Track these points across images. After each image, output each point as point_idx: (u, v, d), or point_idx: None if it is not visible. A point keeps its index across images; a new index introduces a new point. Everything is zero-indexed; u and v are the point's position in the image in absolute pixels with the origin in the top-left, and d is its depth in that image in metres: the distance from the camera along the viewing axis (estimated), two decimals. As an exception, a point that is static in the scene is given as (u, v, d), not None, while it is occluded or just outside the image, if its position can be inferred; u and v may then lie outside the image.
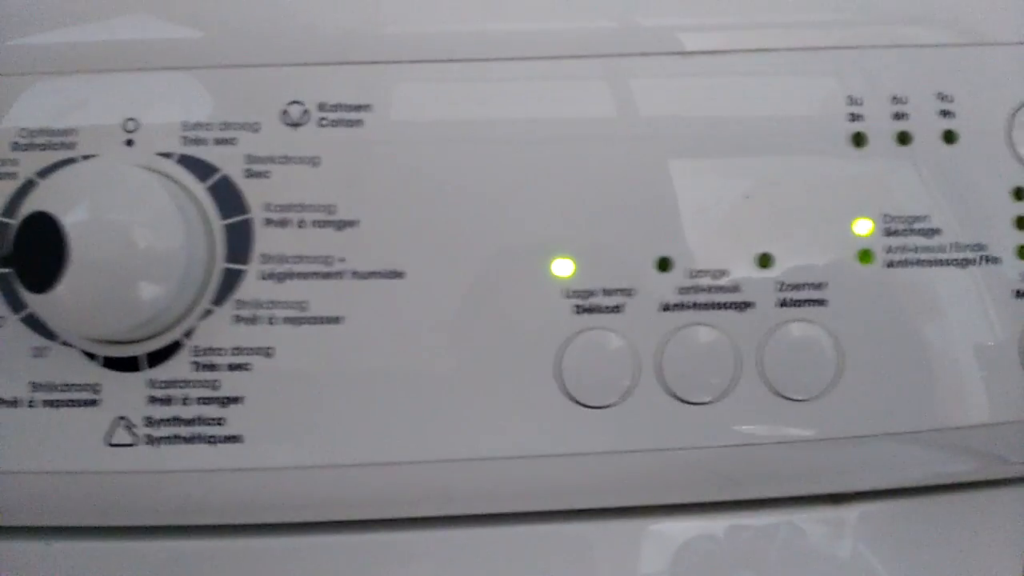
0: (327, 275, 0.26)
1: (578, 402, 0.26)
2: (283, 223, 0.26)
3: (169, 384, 0.26)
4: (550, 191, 0.26)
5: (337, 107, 0.27)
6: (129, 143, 0.27)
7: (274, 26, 0.27)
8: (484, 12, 0.27)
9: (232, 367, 0.26)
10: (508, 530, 0.29)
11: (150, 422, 0.26)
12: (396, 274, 0.26)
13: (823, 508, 0.30)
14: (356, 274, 0.26)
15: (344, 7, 0.27)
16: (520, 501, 0.28)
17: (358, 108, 0.27)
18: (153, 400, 0.26)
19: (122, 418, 0.26)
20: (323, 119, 0.26)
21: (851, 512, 0.30)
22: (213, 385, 0.26)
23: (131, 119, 0.27)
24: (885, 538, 0.30)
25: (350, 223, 0.26)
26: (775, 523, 0.29)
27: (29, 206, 0.24)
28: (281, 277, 0.26)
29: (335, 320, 0.26)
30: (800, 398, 0.27)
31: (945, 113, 0.27)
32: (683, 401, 0.26)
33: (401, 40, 0.27)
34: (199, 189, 0.26)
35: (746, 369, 0.27)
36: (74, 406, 0.26)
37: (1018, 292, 0.27)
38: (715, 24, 0.27)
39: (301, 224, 0.26)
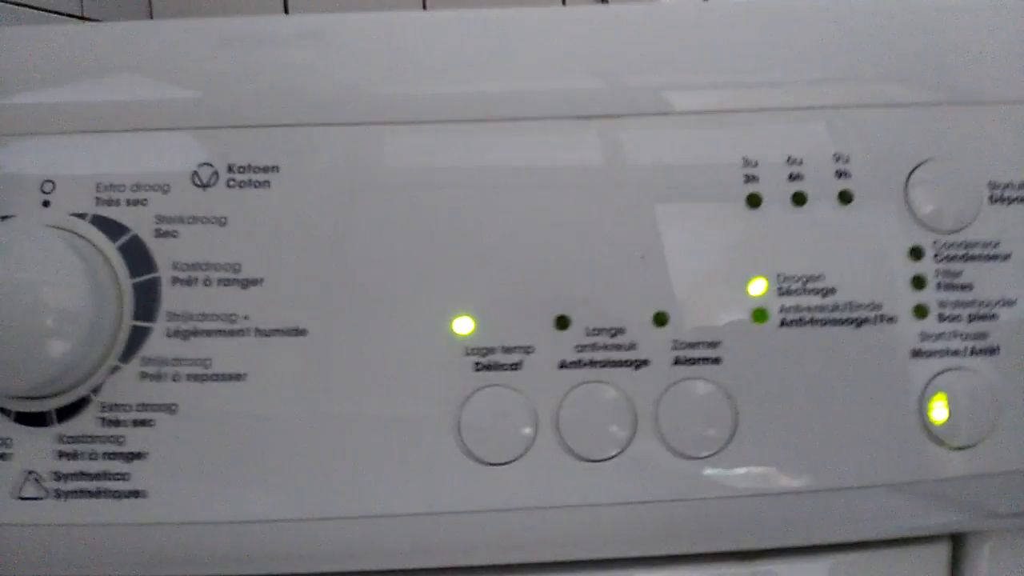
0: (231, 332, 0.27)
1: (477, 459, 0.27)
2: (189, 281, 0.27)
3: (77, 439, 0.27)
4: (450, 250, 0.27)
5: (245, 169, 0.27)
6: (46, 204, 0.27)
7: (185, 90, 0.28)
8: (380, 76, 0.28)
9: (137, 423, 0.26)
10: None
11: (58, 476, 0.27)
12: (298, 331, 0.27)
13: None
14: (259, 331, 0.27)
15: (253, 71, 0.28)
16: (422, 557, 0.28)
17: (266, 170, 0.27)
18: (61, 455, 0.27)
19: (31, 472, 0.27)
20: (231, 180, 0.27)
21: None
22: (118, 440, 0.26)
23: (48, 180, 0.28)
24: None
25: (254, 281, 0.27)
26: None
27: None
28: (186, 335, 0.27)
29: (238, 377, 0.27)
30: (695, 456, 0.27)
31: (841, 174, 0.28)
32: (580, 458, 0.27)
33: (309, 103, 0.28)
34: (110, 248, 0.27)
35: (642, 426, 0.27)
36: (-17, 460, 0.26)
37: (915, 352, 0.27)
38: (615, 88, 0.28)
39: (207, 282, 0.27)
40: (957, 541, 0.32)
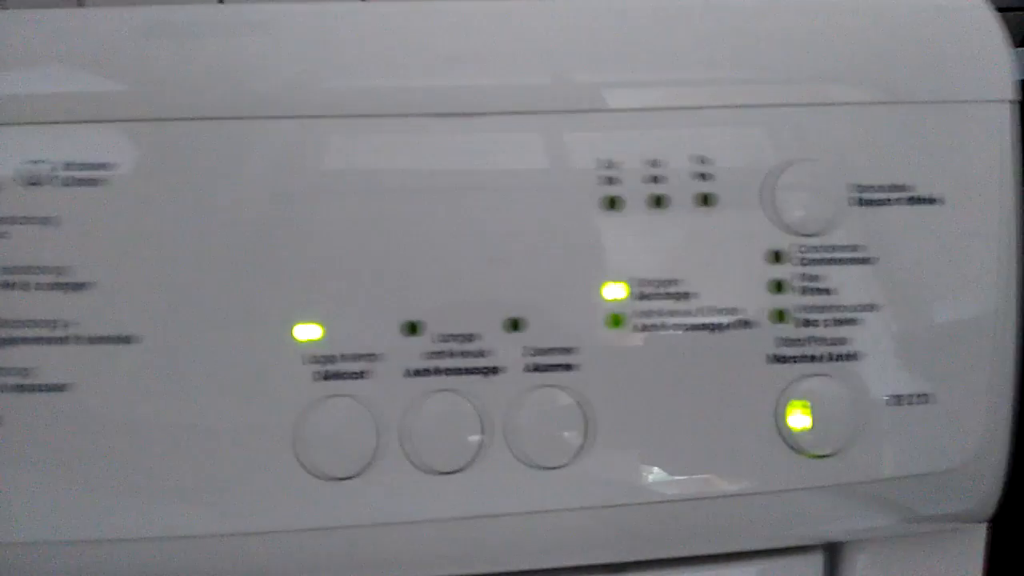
0: (56, 340, 0.25)
1: (318, 473, 0.25)
2: (13, 285, 0.25)
3: None
4: (293, 253, 0.26)
5: (79, 166, 0.26)
6: None
7: (16, 85, 0.26)
8: (206, 71, 0.27)
9: (-48, 436, 0.25)
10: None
11: None
12: (128, 339, 0.25)
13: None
14: (86, 339, 0.25)
15: (88, 67, 0.26)
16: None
17: (99, 167, 0.26)
18: None
19: None
20: (64, 178, 0.26)
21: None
22: (-69, 456, 0.25)
23: None
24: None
25: (83, 286, 0.25)
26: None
27: None
28: (6, 342, 0.25)
29: (62, 387, 0.25)
30: (548, 466, 0.26)
31: (701, 176, 0.27)
32: (429, 471, 0.26)
33: (142, 98, 0.26)
34: (-71, 250, 0.25)
35: (494, 437, 0.26)
36: None
37: (775, 357, 0.27)
38: (464, 86, 0.27)
39: (32, 286, 0.25)
40: (833, 550, 0.31)
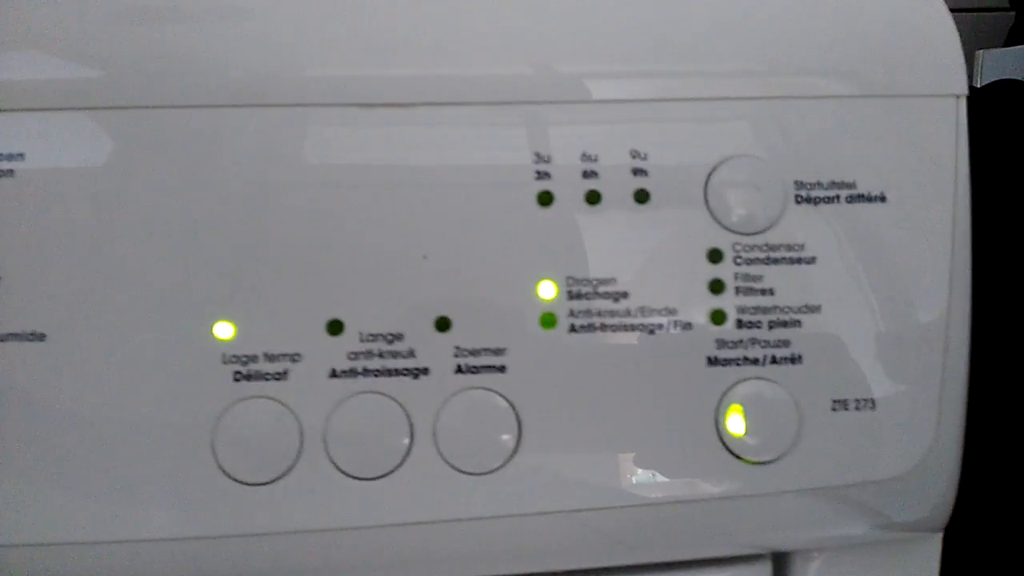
0: (-40, 338, 0.24)
1: (235, 478, 0.24)
2: (-83, 281, 0.24)
3: None
4: (209, 247, 0.25)
5: (-13, 156, 0.25)
6: None
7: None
8: (118, 56, 0.26)
9: None
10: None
11: None
12: (37, 336, 0.24)
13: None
14: (-6, 336, 0.24)
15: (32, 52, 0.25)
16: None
17: (10, 157, 0.25)
18: None
19: None
20: (-29, 169, 0.25)
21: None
22: None
23: None
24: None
25: (-9, 281, 0.24)
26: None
27: None
28: (-92, 340, 0.24)
29: (-34, 387, 0.24)
30: (476, 471, 0.25)
31: (638, 171, 0.26)
32: (352, 476, 0.25)
33: (51, 86, 0.25)
34: None
35: (420, 440, 0.25)
36: None
37: (712, 359, 0.26)
38: (388, 77, 0.26)
39: (-63, 282, 0.24)
40: (781, 559, 0.30)
